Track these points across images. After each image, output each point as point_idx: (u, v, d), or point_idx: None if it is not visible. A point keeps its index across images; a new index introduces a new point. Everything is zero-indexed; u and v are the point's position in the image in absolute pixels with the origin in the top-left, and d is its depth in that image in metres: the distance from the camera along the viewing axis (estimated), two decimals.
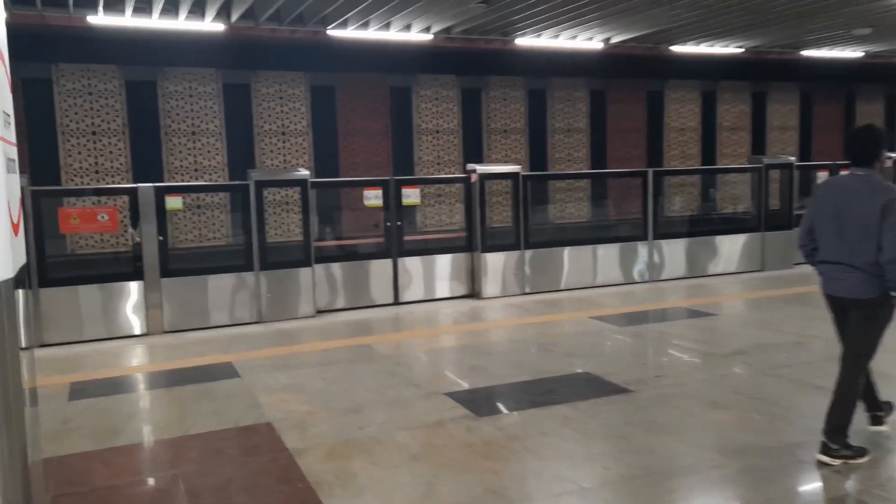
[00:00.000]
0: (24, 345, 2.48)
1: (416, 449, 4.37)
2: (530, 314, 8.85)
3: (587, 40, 14.66)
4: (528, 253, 10.38)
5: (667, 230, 11.57)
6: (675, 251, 11.24)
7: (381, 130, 15.65)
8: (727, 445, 4.26)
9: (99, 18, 10.84)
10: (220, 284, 8.66)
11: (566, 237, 12.88)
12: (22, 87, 12.78)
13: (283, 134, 14.78)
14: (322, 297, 9.31)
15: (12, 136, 2.60)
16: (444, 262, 10.11)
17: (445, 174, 15.96)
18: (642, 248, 11.05)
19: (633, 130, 18.33)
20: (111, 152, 13.34)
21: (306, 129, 14.94)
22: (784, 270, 11.66)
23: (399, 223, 9.73)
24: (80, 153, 13.11)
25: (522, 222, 10.32)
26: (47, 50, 12.54)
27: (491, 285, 10.15)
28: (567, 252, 10.67)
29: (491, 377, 5.95)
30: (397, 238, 9.73)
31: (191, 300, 8.51)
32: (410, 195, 9.84)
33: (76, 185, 12.97)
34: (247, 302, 8.77)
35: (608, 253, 10.91)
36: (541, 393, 5.45)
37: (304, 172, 9.19)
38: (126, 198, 8.32)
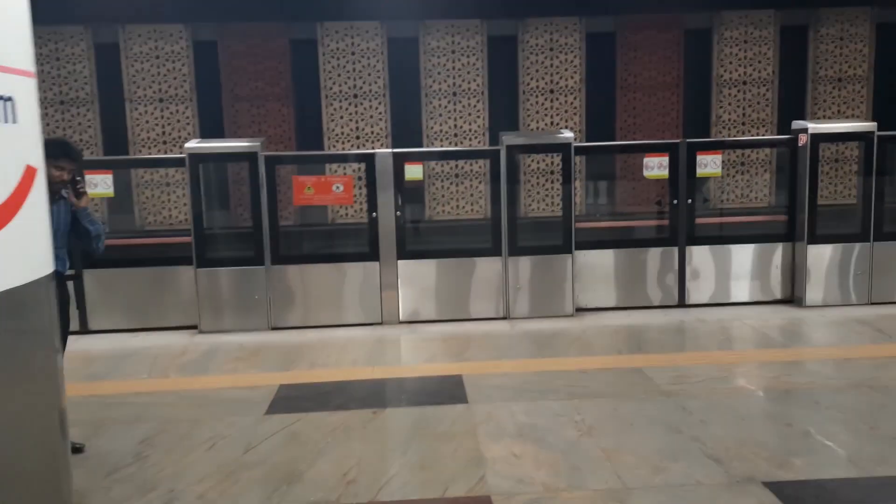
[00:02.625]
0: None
1: None
2: (885, 337, 6.32)
3: None
4: (879, 246, 7.63)
5: None
6: None
7: (670, 83, 13.35)
8: None
9: None
10: (461, 269, 7.53)
11: None
12: (291, 51, 13.03)
13: (552, 91, 13.29)
14: (583, 291, 7.73)
15: None
16: (748, 253, 7.85)
17: (751, 135, 13.16)
18: None
19: None
20: (371, 116, 13.08)
21: (579, 85, 13.26)
22: None
23: (690, 200, 7.69)
24: (342, 117, 13.05)
25: (874, 202, 7.58)
26: (313, 8, 12.57)
27: (817, 289, 7.66)
28: None
29: (837, 456, 3.87)
30: (687, 220, 7.72)
31: (430, 286, 7.52)
32: (708, 163, 7.72)
33: (340, 150, 12.93)
34: (492, 293, 7.54)
35: None
36: None
37: (567, 135, 7.61)
38: (362, 165, 7.56)
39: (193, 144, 7.30)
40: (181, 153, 7.29)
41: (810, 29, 13.31)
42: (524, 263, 7.54)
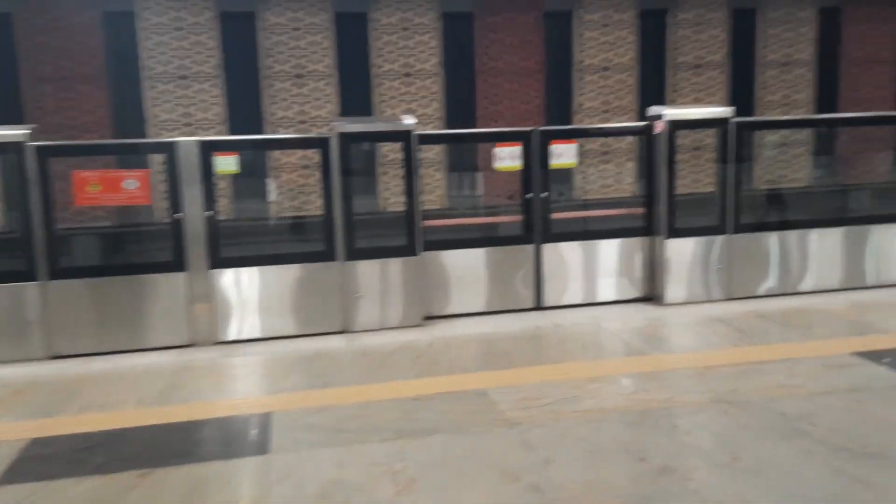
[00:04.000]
0: None
1: None
2: (746, 338, 6.02)
3: None
4: (738, 238, 7.44)
5: None
6: None
7: (531, 69, 12.98)
8: None
9: None
10: (291, 277, 6.63)
11: (791, 215, 9.64)
12: (105, 25, 11.53)
13: (408, 75, 12.57)
14: (433, 296, 7.04)
15: None
16: (608, 249, 7.47)
17: (615, 123, 13.03)
18: None
19: (881, 62, 14.20)
20: (203, 101, 11.84)
21: (436, 69, 12.62)
22: None
23: (545, 194, 7.17)
24: (168, 102, 11.72)
25: (733, 192, 7.36)
26: None
27: (678, 285, 7.37)
28: (794, 237, 7.62)
29: (695, 501, 3.33)
30: (542, 215, 7.19)
31: (253, 299, 6.57)
32: (563, 153, 7.22)
33: (168, 139, 11.56)
34: (328, 303, 6.69)
35: (856, 238, 7.71)
36: None
37: (408, 121, 6.86)
38: (163, 156, 6.47)
39: None
40: None
41: (669, 13, 13.33)
42: (364, 268, 6.74)
